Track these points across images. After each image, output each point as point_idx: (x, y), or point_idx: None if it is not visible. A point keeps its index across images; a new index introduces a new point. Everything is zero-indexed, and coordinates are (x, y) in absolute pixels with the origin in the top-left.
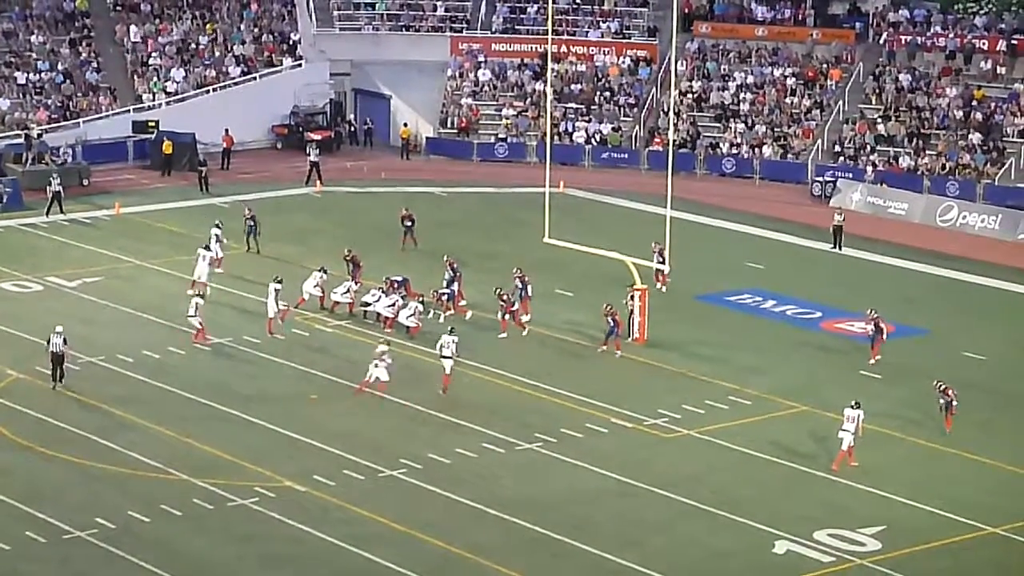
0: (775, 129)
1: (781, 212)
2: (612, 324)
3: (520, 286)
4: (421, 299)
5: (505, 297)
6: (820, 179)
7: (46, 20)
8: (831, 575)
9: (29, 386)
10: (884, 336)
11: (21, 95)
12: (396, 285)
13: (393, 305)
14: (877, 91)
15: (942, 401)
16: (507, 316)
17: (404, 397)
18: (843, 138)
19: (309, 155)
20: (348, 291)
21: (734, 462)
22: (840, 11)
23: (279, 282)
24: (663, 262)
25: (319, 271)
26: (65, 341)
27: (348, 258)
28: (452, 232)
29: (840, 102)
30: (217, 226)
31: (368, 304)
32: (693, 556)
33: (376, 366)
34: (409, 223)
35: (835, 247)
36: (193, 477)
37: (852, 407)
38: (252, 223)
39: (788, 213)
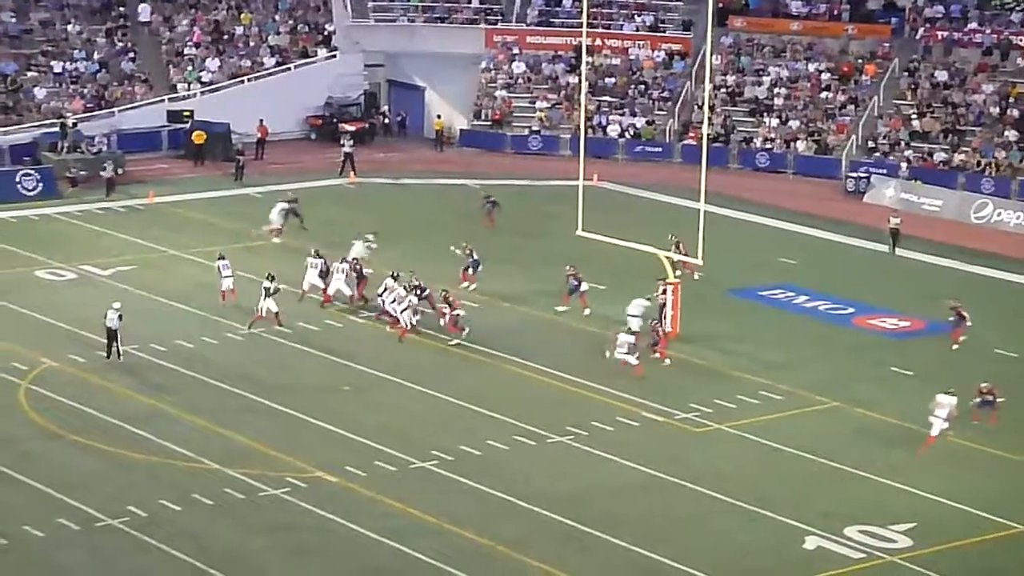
0: (809, 124)
1: (814, 208)
2: (576, 284)
3: (576, 283)
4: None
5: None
6: (854, 175)
7: (83, 9)
8: (861, 572)
9: (62, 374)
10: (966, 325)
11: (57, 84)
12: (420, 292)
13: (396, 302)
14: (912, 87)
15: (978, 400)
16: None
17: (436, 389)
18: (877, 134)
19: (343, 146)
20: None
21: (765, 457)
22: (876, 6)
23: (318, 256)
24: (684, 253)
25: (313, 256)
26: (120, 318)
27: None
28: (482, 223)
29: (875, 98)
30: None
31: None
32: (723, 551)
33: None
34: (491, 204)
35: (892, 250)
36: (225, 466)
37: (947, 394)
38: (294, 206)
39: (821, 209)
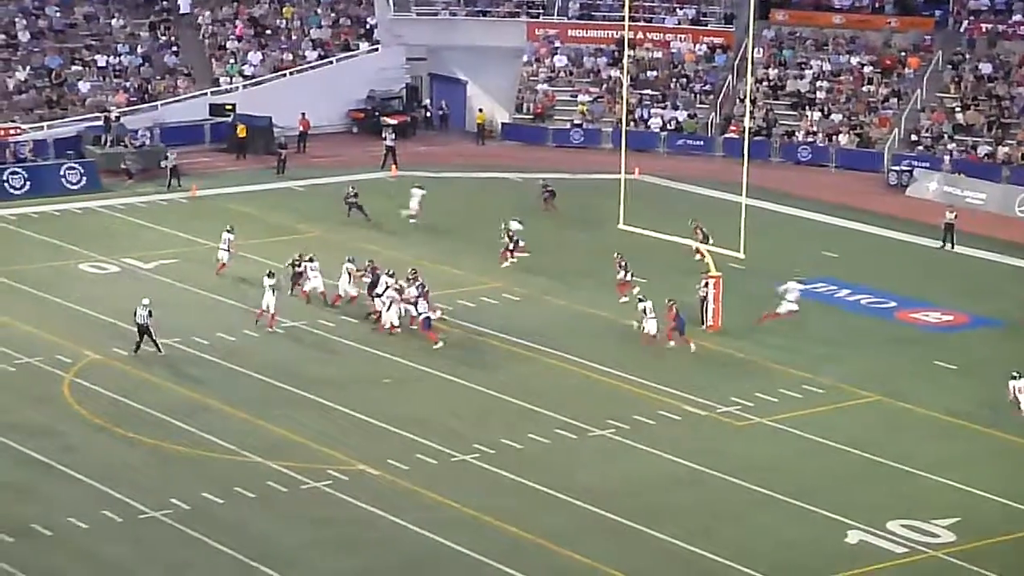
0: (851, 118)
1: (857, 201)
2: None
3: (623, 266)
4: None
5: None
6: (896, 168)
7: (126, 4)
8: (904, 566)
9: (106, 367)
10: None
11: (101, 78)
12: (420, 287)
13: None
14: (956, 80)
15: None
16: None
17: (477, 382)
18: (920, 127)
19: (385, 139)
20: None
21: (807, 451)
22: None
23: (351, 262)
24: (705, 240)
25: (348, 262)
26: (150, 314)
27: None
28: (526, 218)
29: (918, 91)
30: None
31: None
32: (765, 544)
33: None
34: (549, 192)
35: (945, 245)
36: (267, 459)
37: (1014, 377)
38: (355, 200)
39: (863, 202)
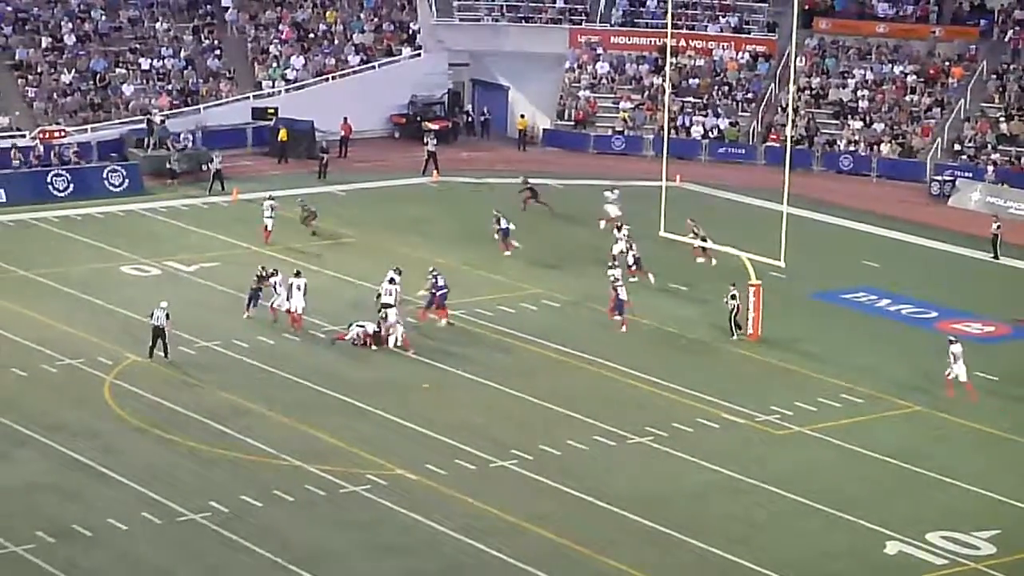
0: (894, 127)
1: (898, 211)
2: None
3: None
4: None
5: None
6: (939, 178)
7: (170, 7)
8: None
9: (146, 369)
10: None
11: (144, 81)
12: (437, 292)
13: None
14: (1000, 90)
15: None
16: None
17: (516, 388)
18: (963, 137)
19: (427, 145)
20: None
21: (846, 460)
22: (964, 8)
23: (398, 272)
24: (702, 238)
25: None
26: (168, 316)
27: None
28: (566, 224)
29: (961, 100)
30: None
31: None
32: (803, 554)
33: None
34: (529, 190)
35: (994, 256)
36: (305, 463)
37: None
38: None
39: (905, 212)
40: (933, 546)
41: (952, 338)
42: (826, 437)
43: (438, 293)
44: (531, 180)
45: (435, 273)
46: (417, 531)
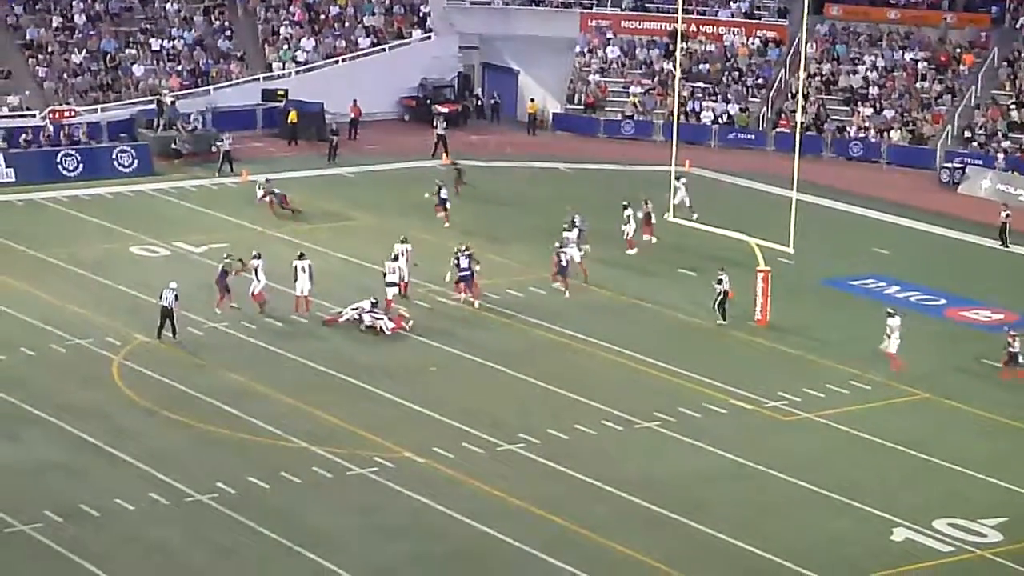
0: (904, 114)
1: (908, 198)
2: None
3: (631, 215)
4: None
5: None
6: (949, 165)
7: None
8: (950, 565)
9: (155, 350)
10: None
11: (155, 62)
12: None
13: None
14: (1011, 77)
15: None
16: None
17: (524, 372)
18: (974, 124)
19: (436, 128)
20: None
21: (853, 447)
22: None
23: (404, 242)
24: (648, 218)
25: (400, 243)
26: (177, 297)
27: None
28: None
29: (972, 88)
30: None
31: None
32: (810, 540)
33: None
34: (457, 171)
35: (1003, 244)
36: (313, 445)
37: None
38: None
39: (915, 199)
40: (940, 533)
41: (890, 311)
42: (834, 423)
43: (459, 275)
44: (461, 161)
45: (465, 252)
46: (424, 514)
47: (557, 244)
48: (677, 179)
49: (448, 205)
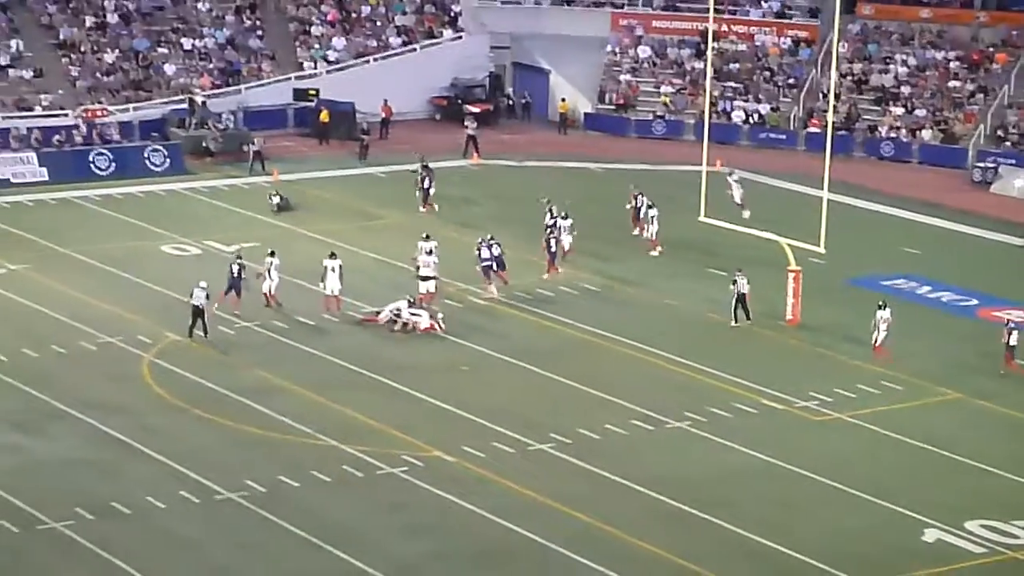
0: (936, 113)
1: (940, 197)
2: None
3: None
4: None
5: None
6: (981, 165)
7: None
8: (982, 567)
9: (185, 349)
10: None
11: (186, 61)
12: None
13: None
14: None
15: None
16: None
17: (555, 371)
18: (1007, 123)
19: (466, 127)
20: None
21: (884, 447)
22: None
23: (427, 238)
24: (637, 208)
25: (424, 240)
26: (207, 296)
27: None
28: (605, 208)
29: (1005, 86)
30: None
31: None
32: (839, 540)
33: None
34: (424, 172)
35: None
36: (343, 444)
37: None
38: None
39: (947, 198)
40: (972, 534)
41: (881, 303)
42: (865, 423)
43: (480, 264)
44: (430, 163)
45: (488, 241)
46: (453, 513)
47: (548, 231)
48: (730, 174)
49: (431, 193)
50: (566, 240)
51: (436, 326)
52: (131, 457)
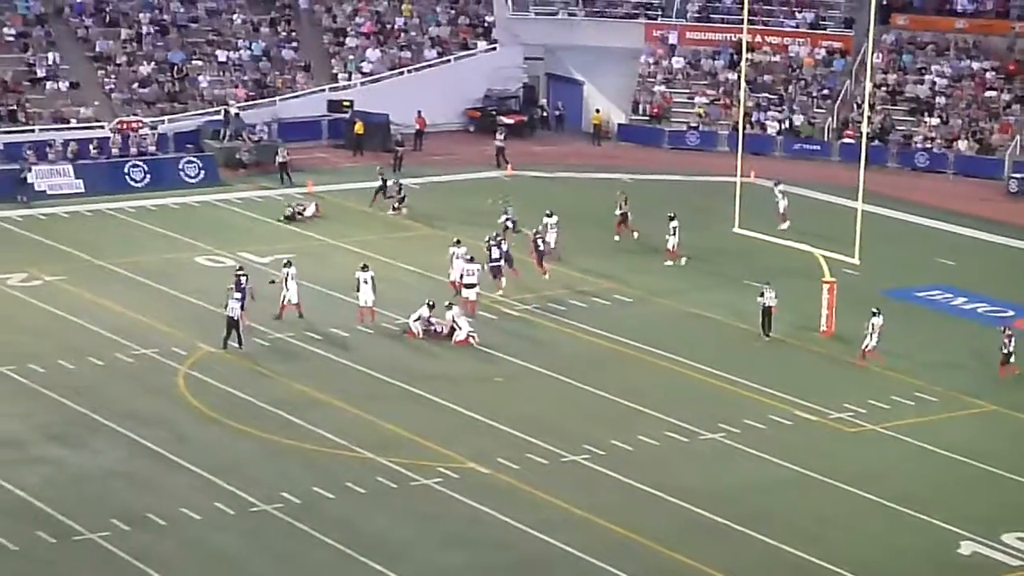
0: (972, 123)
1: (975, 208)
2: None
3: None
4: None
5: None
6: (1017, 175)
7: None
8: None
9: (220, 360)
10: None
11: (220, 72)
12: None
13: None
14: None
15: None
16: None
17: (588, 383)
18: None
19: (496, 139)
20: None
21: (919, 459)
22: None
23: (458, 243)
24: (624, 214)
25: (455, 246)
26: (243, 307)
27: None
28: (640, 219)
29: None
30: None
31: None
32: (874, 552)
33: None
34: (382, 182)
35: None
36: (377, 455)
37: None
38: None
39: (982, 209)
40: (1008, 547)
41: (875, 310)
42: (900, 435)
43: (490, 264)
44: (397, 183)
45: (495, 241)
46: (488, 524)
47: (534, 231)
48: (776, 185)
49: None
50: (550, 237)
51: (470, 339)
52: (166, 468)
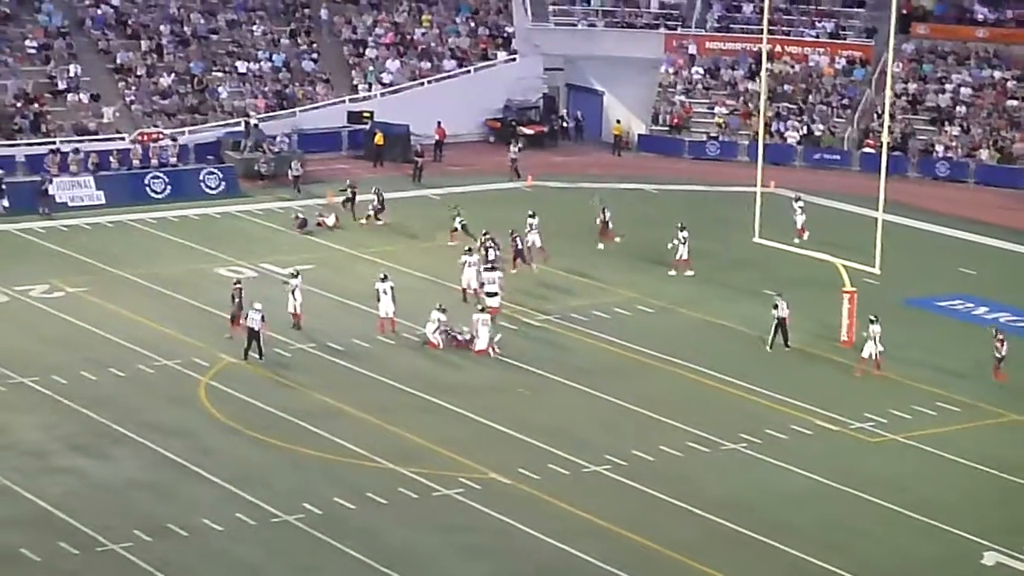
0: (993, 133)
1: (996, 217)
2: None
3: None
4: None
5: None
6: None
7: (267, 11)
8: None
9: (241, 370)
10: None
11: (241, 84)
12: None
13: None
14: None
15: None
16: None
17: (609, 393)
18: None
19: (510, 151)
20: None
21: (941, 469)
22: None
23: (469, 252)
24: (604, 222)
25: (467, 254)
26: (263, 318)
27: None
28: (659, 229)
29: None
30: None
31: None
32: (898, 563)
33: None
34: (351, 193)
35: None
36: (399, 466)
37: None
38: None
39: (1004, 219)
40: None
41: (872, 318)
42: (921, 445)
43: (486, 265)
44: (382, 193)
45: (491, 242)
46: (509, 535)
47: (512, 231)
48: (796, 200)
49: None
50: (533, 237)
51: (491, 350)
52: (188, 479)
